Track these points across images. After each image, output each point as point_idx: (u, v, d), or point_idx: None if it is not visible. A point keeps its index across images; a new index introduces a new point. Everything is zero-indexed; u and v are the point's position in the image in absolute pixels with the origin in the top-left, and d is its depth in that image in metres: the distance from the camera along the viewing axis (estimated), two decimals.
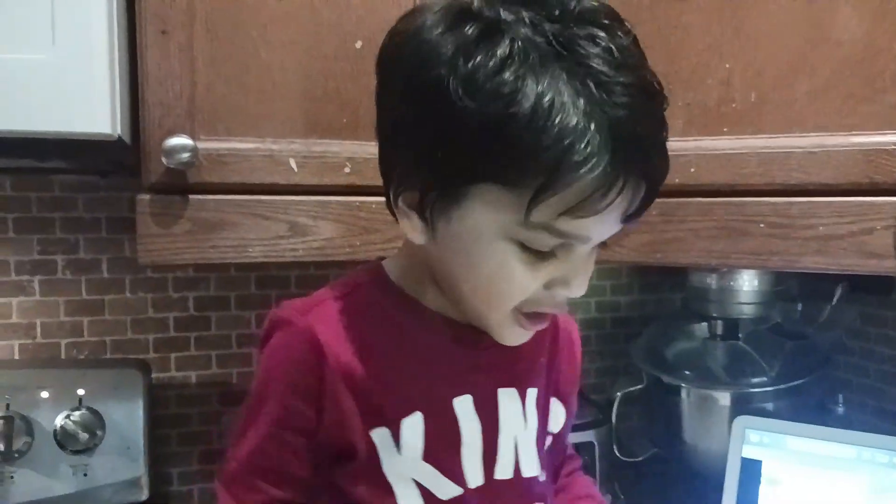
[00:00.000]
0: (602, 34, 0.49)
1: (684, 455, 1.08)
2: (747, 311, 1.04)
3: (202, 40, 0.74)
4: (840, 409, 1.04)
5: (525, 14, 0.49)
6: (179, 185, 0.73)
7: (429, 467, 0.58)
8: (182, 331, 1.09)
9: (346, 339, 0.57)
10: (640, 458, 1.14)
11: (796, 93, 0.72)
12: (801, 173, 0.71)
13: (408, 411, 0.58)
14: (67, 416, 0.95)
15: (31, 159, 0.72)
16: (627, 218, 0.52)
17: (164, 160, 0.70)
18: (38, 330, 1.03)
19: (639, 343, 1.16)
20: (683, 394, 1.05)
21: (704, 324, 1.11)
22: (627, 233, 0.61)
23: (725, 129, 0.75)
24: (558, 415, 0.68)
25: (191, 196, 0.74)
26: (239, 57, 0.75)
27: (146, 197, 0.73)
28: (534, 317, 0.57)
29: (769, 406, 1.00)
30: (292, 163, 0.76)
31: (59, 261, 1.03)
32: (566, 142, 0.47)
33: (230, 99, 0.75)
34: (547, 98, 0.47)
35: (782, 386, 0.99)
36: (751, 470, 0.93)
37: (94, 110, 0.64)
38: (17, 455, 0.93)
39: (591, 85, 0.48)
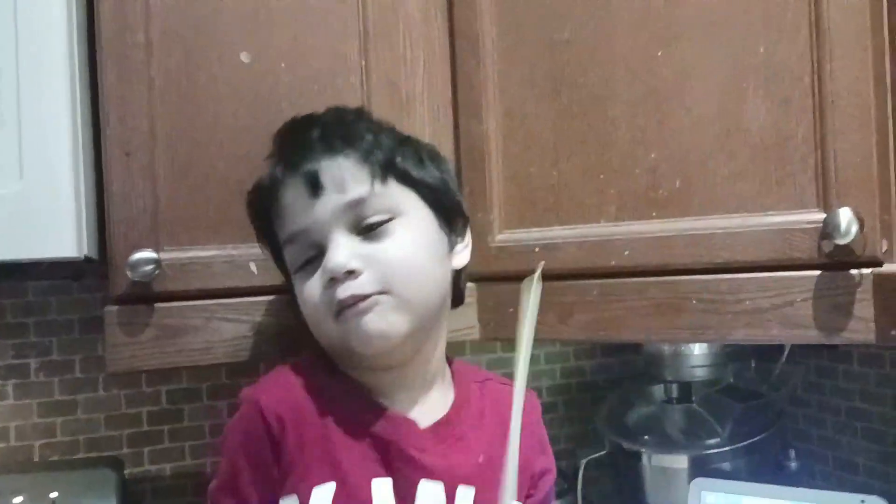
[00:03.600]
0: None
1: None
2: (700, 373, 1.09)
3: (163, 158, 0.79)
4: (793, 465, 1.08)
5: None
6: (145, 295, 0.77)
7: None
8: (155, 424, 1.11)
9: (287, 407, 0.64)
10: None
11: (717, 177, 0.77)
12: (725, 252, 0.76)
13: (322, 480, 0.62)
14: None
15: (9, 281, 0.76)
16: (315, 192, 0.66)
17: (129, 274, 0.74)
18: (12, 434, 1.05)
19: (601, 409, 1.20)
20: (644, 459, 1.08)
21: (661, 387, 1.15)
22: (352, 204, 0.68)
23: (654, 214, 0.80)
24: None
25: (156, 304, 0.78)
26: (198, 171, 0.80)
27: (113, 308, 0.77)
28: (340, 307, 0.64)
29: (726, 466, 1.03)
30: (252, 266, 0.81)
31: (33, 364, 1.06)
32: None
33: (191, 210, 0.80)
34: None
35: (735, 446, 1.03)
36: None
37: (61, 235, 0.69)
38: None
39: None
